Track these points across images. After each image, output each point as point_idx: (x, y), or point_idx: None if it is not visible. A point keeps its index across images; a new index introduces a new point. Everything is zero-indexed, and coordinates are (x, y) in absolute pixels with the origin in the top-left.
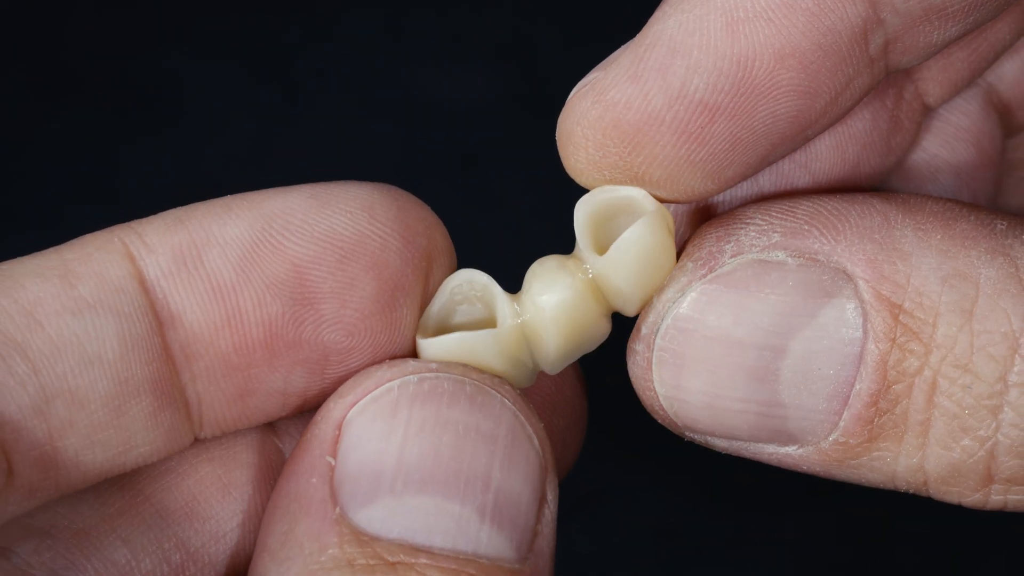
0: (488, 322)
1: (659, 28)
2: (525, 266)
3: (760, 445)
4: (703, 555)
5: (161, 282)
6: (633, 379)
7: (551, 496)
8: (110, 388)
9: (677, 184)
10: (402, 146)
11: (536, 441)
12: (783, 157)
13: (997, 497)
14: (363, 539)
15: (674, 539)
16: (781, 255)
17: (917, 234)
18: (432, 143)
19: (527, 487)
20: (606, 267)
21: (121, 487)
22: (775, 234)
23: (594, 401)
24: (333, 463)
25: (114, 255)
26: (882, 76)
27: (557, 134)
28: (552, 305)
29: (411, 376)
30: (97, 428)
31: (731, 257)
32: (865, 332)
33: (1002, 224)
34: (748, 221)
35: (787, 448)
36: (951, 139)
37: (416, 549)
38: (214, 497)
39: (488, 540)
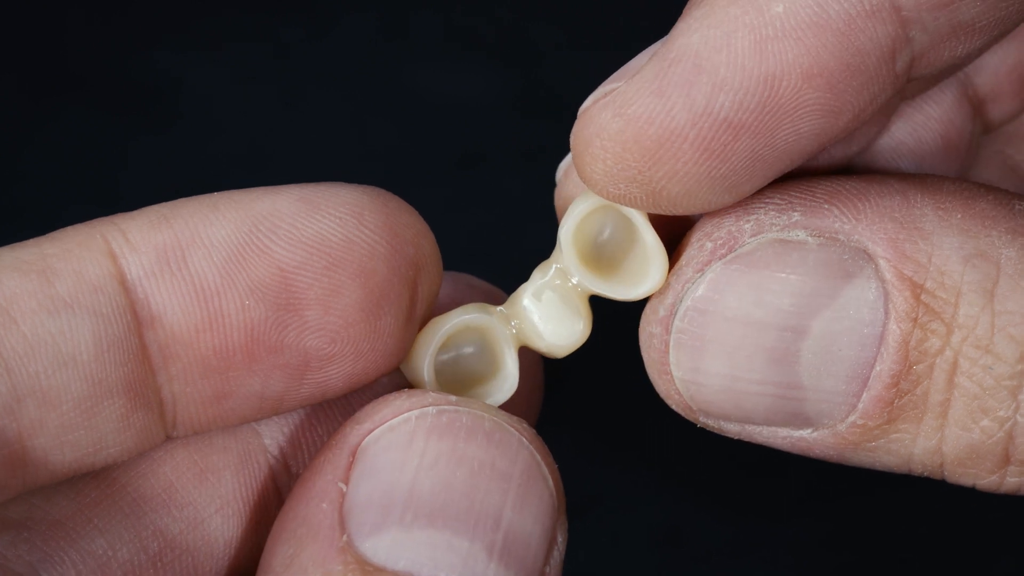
0: (487, 350)
1: (684, 42)
2: (524, 266)
3: (774, 429)
4: (703, 561)
5: (143, 282)
6: (648, 363)
7: (561, 538)
8: (83, 389)
9: (694, 199)
10: (401, 146)
11: (551, 482)
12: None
13: (1013, 479)
14: (368, 569)
15: (674, 545)
16: (801, 234)
17: (938, 213)
18: (431, 143)
19: (538, 527)
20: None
21: (97, 476)
22: (795, 213)
23: (593, 405)
24: (344, 489)
25: (95, 252)
26: (903, 88)
27: (572, 142)
28: (558, 344)
29: (430, 408)
30: (68, 428)
31: (751, 237)
32: (886, 312)
33: (1020, 205)
34: (767, 200)
35: (801, 431)
36: (919, 127)
37: None
38: (191, 483)
39: None
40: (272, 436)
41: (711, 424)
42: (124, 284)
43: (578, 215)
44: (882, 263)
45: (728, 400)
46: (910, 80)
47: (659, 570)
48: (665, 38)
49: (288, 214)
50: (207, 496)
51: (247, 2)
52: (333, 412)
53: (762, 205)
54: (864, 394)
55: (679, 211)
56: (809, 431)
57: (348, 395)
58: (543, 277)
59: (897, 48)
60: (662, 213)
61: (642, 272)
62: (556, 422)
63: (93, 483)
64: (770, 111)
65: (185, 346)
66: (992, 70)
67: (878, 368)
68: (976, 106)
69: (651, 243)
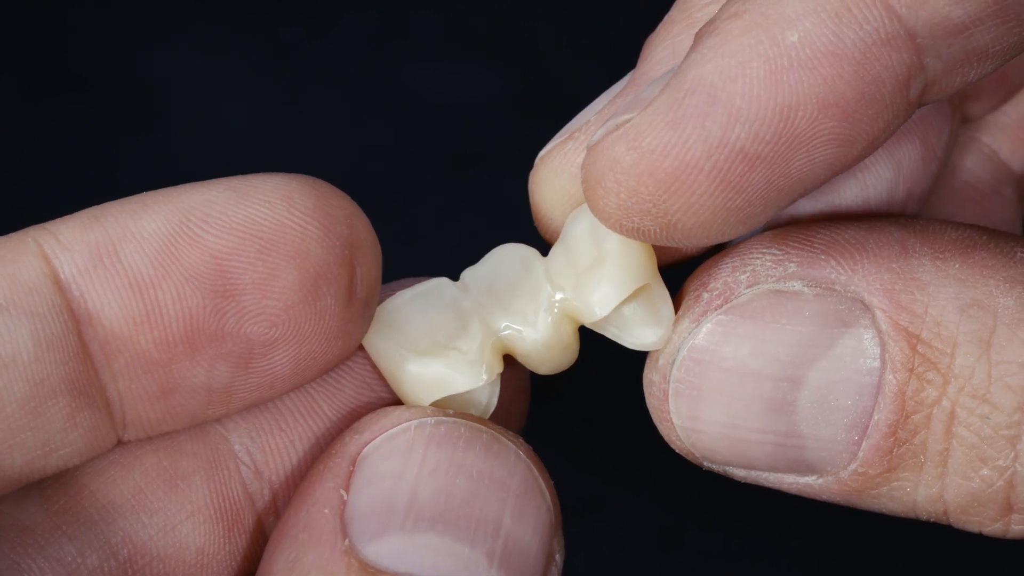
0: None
1: (698, 73)
2: None
3: (779, 475)
4: (703, 567)
5: (77, 280)
6: (650, 408)
7: (558, 556)
8: (25, 390)
9: (708, 230)
10: (401, 145)
11: (548, 496)
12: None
13: (1017, 527)
14: (371, 572)
15: (674, 551)
16: (798, 285)
17: (935, 263)
18: (431, 143)
19: (536, 538)
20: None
21: (65, 482)
22: (791, 264)
23: (593, 410)
24: (345, 497)
25: (27, 256)
26: (913, 113)
27: (584, 175)
28: (532, 342)
29: (428, 419)
30: (13, 431)
31: (747, 288)
32: (883, 362)
33: (1022, 252)
34: (764, 251)
35: (807, 478)
36: (898, 131)
37: None
38: (161, 489)
39: None
40: (241, 442)
41: (716, 469)
42: (58, 284)
43: (616, 299)
44: (878, 313)
45: (728, 448)
46: (921, 105)
47: (659, 573)
48: (676, 67)
49: (218, 203)
50: (177, 502)
51: (247, 2)
52: (302, 416)
53: (758, 255)
54: (863, 443)
55: (692, 243)
56: (814, 478)
57: (312, 399)
58: (543, 298)
59: (912, 76)
60: (674, 245)
61: (652, 319)
62: (557, 426)
63: (62, 490)
64: (786, 141)
65: (125, 341)
66: None
67: (876, 417)
68: (953, 104)
69: (665, 312)
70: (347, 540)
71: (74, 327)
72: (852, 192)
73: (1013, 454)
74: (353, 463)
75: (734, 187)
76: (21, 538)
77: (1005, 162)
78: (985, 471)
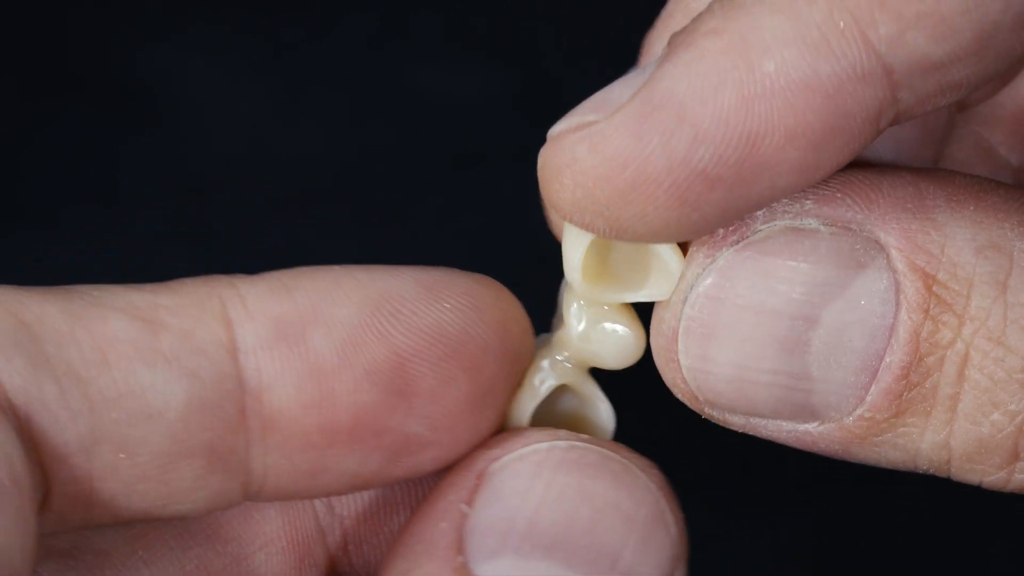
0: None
1: (670, 87)
2: (523, 266)
3: (779, 422)
4: (698, 558)
5: (257, 352)
6: (655, 350)
7: None
8: (163, 445)
9: (656, 236)
10: (401, 145)
11: (674, 530)
12: None
13: (1021, 475)
14: None
15: None
16: (814, 223)
17: (950, 205)
18: (431, 142)
19: (656, 573)
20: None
21: None
22: (807, 201)
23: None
24: (467, 512)
25: (208, 314)
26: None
27: (541, 164)
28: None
29: (561, 442)
30: (140, 479)
31: (763, 224)
32: (898, 303)
33: None
34: None
35: (807, 425)
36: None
37: None
38: (236, 519)
39: None
40: None
41: (716, 416)
42: (235, 351)
43: (578, 261)
44: (894, 253)
45: (735, 390)
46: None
47: None
48: (649, 73)
49: (409, 299)
50: (251, 533)
51: (247, 2)
52: None
53: None
54: (873, 386)
55: (636, 242)
56: (815, 425)
57: None
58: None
59: (883, 109)
60: (617, 240)
61: (659, 270)
62: None
63: None
64: (749, 167)
65: (289, 421)
66: None
67: (888, 360)
68: None
69: (667, 254)
70: (461, 557)
71: (238, 397)
72: None
73: None
74: (480, 478)
75: (690, 204)
76: (99, 561)
77: (1003, 156)
78: (996, 415)
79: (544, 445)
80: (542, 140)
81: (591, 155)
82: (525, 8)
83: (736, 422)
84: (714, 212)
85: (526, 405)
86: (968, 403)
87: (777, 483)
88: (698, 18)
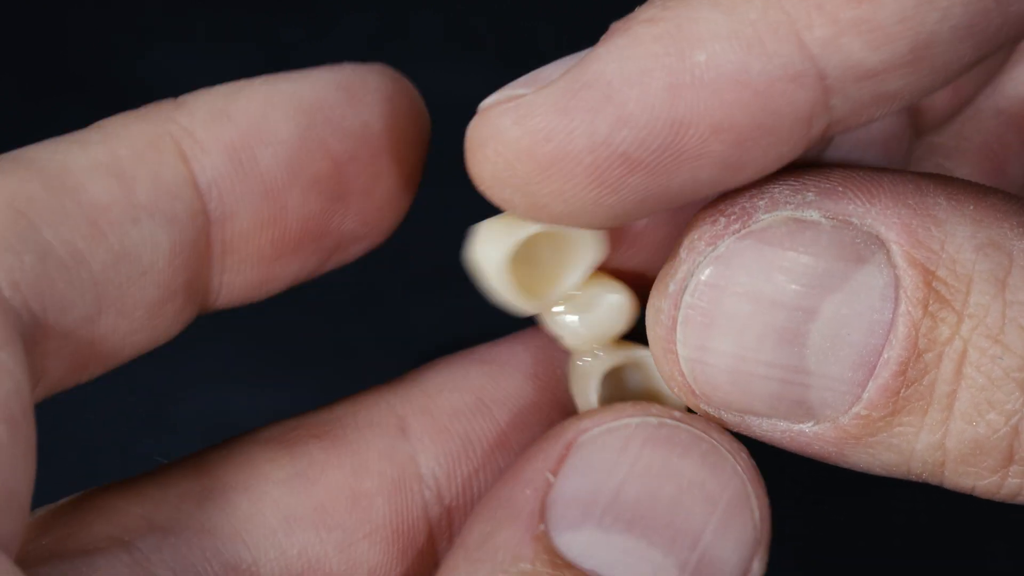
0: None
1: (600, 68)
2: None
3: (774, 421)
4: None
5: (217, 183)
6: (652, 340)
7: (758, 568)
8: (154, 295)
9: (574, 218)
10: None
11: (757, 514)
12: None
13: (1014, 480)
14: (558, 563)
15: None
16: (815, 214)
17: (951, 202)
18: (434, 143)
19: (736, 556)
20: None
21: (248, 488)
22: (809, 193)
23: None
24: (552, 480)
25: (167, 155)
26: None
27: (468, 136)
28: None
29: (652, 418)
30: (134, 331)
31: (765, 213)
32: (897, 299)
33: None
34: (781, 180)
35: (802, 425)
36: (862, 142)
37: None
38: (343, 506)
39: None
40: (428, 465)
41: (711, 412)
42: (195, 185)
43: (501, 262)
44: (894, 248)
45: (732, 383)
46: (823, 138)
47: None
48: (583, 55)
49: (336, 105)
50: (357, 520)
51: (247, 2)
52: (491, 447)
53: (776, 184)
54: (870, 383)
55: (556, 224)
56: (810, 424)
57: (504, 432)
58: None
59: (815, 114)
60: (538, 222)
61: (572, 241)
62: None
63: (244, 495)
64: (671, 155)
65: (246, 241)
66: None
67: (886, 355)
68: (913, 114)
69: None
70: (543, 525)
71: (205, 229)
72: None
73: (1022, 399)
74: (568, 448)
75: (609, 186)
76: (200, 540)
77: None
78: (992, 415)
79: (635, 420)
80: None
81: (515, 127)
82: (525, 8)
83: (731, 420)
84: (632, 198)
85: (589, 396)
86: (964, 402)
87: (773, 481)
88: (639, 8)
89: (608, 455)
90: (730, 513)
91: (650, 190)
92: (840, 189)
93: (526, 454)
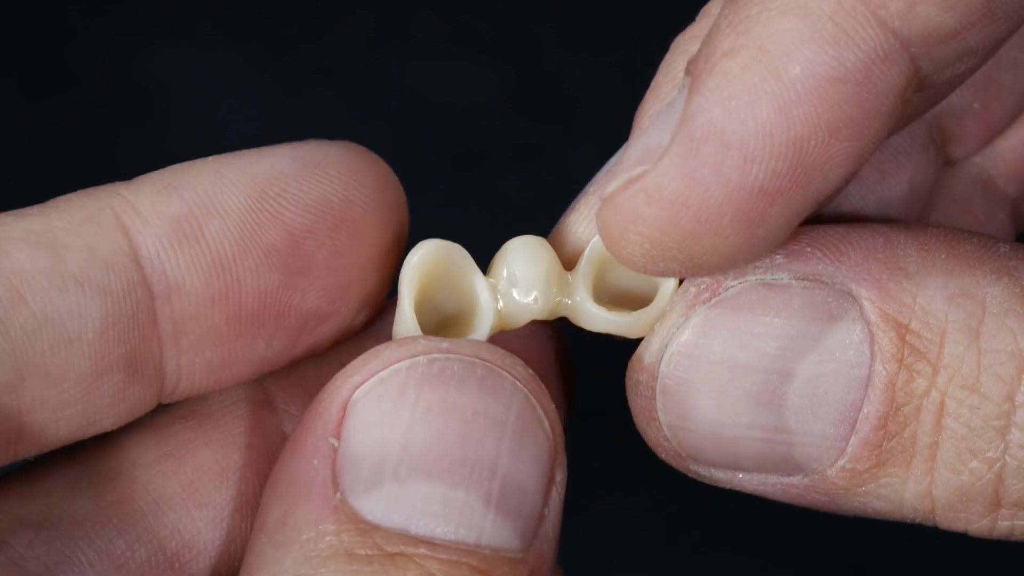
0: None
1: (707, 118)
2: None
3: (764, 476)
4: (702, 561)
5: (160, 256)
6: (635, 412)
7: (560, 477)
8: (86, 367)
9: (733, 262)
10: (400, 144)
11: (547, 423)
12: None
13: (1004, 523)
14: (363, 528)
15: (673, 544)
16: (785, 277)
17: (921, 254)
18: (430, 141)
19: (535, 471)
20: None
21: (118, 474)
22: (777, 256)
23: (590, 399)
24: (336, 444)
25: (105, 227)
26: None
27: (603, 228)
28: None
29: (420, 357)
30: (66, 404)
31: (734, 280)
32: (872, 354)
33: (1005, 247)
34: None
35: (791, 478)
36: (886, 173)
37: (417, 539)
38: (212, 483)
39: (492, 528)
40: None
41: (701, 472)
42: (138, 259)
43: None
44: (866, 304)
45: (716, 446)
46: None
47: (658, 568)
48: (680, 108)
49: (291, 176)
50: (227, 496)
51: (247, 2)
52: None
53: None
54: (852, 437)
55: (717, 273)
56: (799, 478)
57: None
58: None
59: (909, 83)
60: (697, 276)
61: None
62: None
63: (113, 482)
64: (801, 171)
65: (199, 318)
66: (960, 114)
67: (865, 410)
68: (940, 145)
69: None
70: (339, 493)
71: (148, 304)
72: None
73: (1003, 445)
74: (344, 408)
75: (756, 223)
76: (72, 531)
77: (1000, 188)
78: (974, 463)
79: (404, 363)
80: (541, 138)
81: (650, 206)
82: (525, 8)
83: (721, 478)
84: (779, 222)
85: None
86: (947, 452)
87: (767, 503)
88: (709, 40)
89: (386, 406)
90: (520, 431)
91: (792, 207)
92: (808, 249)
93: (305, 422)
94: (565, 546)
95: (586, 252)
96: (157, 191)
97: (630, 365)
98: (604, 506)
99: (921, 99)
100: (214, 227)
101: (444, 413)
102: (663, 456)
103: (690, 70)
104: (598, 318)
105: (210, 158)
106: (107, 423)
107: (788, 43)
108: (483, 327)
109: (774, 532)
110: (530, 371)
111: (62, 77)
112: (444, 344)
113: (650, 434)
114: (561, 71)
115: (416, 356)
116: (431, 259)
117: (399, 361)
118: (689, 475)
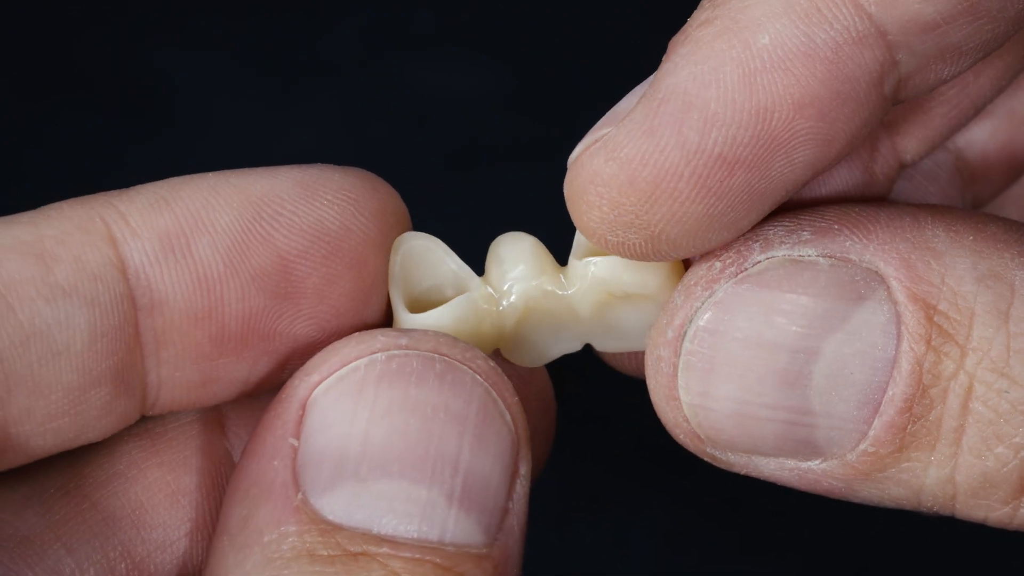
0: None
1: (672, 81)
2: None
3: (781, 460)
4: (708, 563)
5: (146, 269)
6: (653, 389)
7: (524, 470)
8: (73, 379)
9: (694, 239)
10: (399, 143)
11: (508, 416)
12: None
13: None
14: (324, 528)
15: (678, 547)
16: (812, 254)
17: (949, 234)
18: (429, 140)
19: (498, 466)
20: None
21: (67, 493)
22: (805, 232)
23: (598, 403)
24: (296, 445)
25: (95, 237)
26: (889, 111)
27: (567, 192)
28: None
29: (379, 354)
30: (53, 416)
31: (761, 254)
32: (899, 335)
33: None
34: (776, 221)
35: (810, 463)
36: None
37: (380, 538)
38: (162, 504)
39: (455, 525)
40: None
41: (718, 456)
42: (124, 271)
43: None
44: (894, 284)
45: (737, 426)
46: (896, 103)
47: (663, 572)
48: (652, 78)
49: (288, 199)
50: (178, 518)
51: (247, 2)
52: None
53: (771, 225)
54: (876, 420)
55: (679, 254)
56: (818, 462)
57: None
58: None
59: (885, 72)
60: (662, 260)
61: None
62: (560, 426)
63: (63, 500)
64: (764, 144)
65: (182, 333)
66: (982, 146)
67: (891, 392)
68: (967, 181)
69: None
70: (300, 493)
71: (132, 316)
72: None
73: None
74: (303, 407)
75: (715, 192)
76: (20, 549)
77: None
78: (1000, 449)
79: (363, 361)
80: (539, 137)
81: (609, 163)
82: (524, 7)
83: (738, 462)
84: (741, 199)
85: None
86: (972, 436)
87: (781, 502)
88: (691, 17)
89: (345, 405)
90: (481, 426)
91: (753, 185)
92: (836, 227)
93: (264, 423)
94: (571, 552)
95: (575, 241)
96: (150, 204)
97: (651, 340)
98: (610, 512)
99: (922, 115)
100: (203, 244)
101: (404, 410)
102: (680, 438)
103: (669, 45)
104: (608, 276)
105: (210, 173)
106: (93, 435)
107: (760, 15)
108: (454, 304)
109: (781, 540)
110: (491, 364)
111: (62, 77)
112: (403, 340)
113: (669, 414)
114: (561, 71)
115: (375, 353)
116: (410, 258)
117: (358, 359)
118: (705, 459)
